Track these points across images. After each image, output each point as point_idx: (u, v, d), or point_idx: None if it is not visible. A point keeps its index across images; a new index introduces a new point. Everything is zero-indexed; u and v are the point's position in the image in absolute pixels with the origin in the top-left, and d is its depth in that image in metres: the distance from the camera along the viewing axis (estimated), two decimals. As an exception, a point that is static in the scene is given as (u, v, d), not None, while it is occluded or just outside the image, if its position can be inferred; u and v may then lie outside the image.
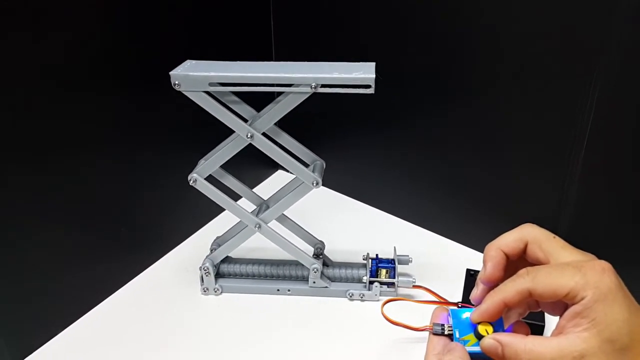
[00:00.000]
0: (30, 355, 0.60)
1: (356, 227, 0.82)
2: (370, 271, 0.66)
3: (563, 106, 0.61)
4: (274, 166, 0.94)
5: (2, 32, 0.49)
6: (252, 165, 0.87)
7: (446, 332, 0.41)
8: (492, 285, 0.41)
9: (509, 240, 0.42)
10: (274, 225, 0.65)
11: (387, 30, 0.71)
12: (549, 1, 0.58)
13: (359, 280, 0.67)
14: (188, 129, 0.72)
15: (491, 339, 0.38)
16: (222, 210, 0.82)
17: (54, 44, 0.54)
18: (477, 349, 0.39)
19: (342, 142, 0.85)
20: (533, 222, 0.42)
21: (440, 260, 0.73)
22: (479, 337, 0.39)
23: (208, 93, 0.57)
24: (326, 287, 0.67)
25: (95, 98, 0.60)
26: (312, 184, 0.61)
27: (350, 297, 0.67)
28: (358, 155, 0.85)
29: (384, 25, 0.71)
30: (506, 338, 0.38)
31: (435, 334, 0.41)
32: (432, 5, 0.66)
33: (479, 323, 0.40)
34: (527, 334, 0.38)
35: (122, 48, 0.62)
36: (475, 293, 0.43)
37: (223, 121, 0.58)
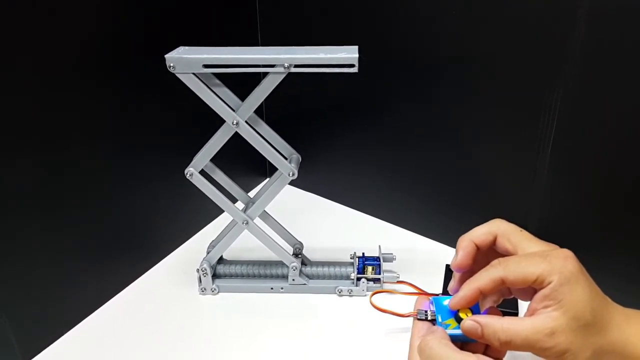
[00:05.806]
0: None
1: (338, 228, 0.86)
2: (358, 268, 0.71)
3: (529, 106, 0.65)
4: (262, 174, 0.97)
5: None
6: (242, 173, 0.90)
7: (429, 318, 0.45)
8: (462, 271, 0.46)
9: (480, 233, 0.47)
10: (260, 225, 0.69)
11: (368, 31, 0.74)
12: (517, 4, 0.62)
13: (347, 277, 0.71)
14: (185, 133, 0.74)
15: (471, 320, 0.42)
16: (216, 215, 0.86)
17: (43, 43, 0.55)
18: (457, 331, 0.43)
19: (321, 146, 0.88)
20: (503, 218, 0.48)
21: (421, 258, 0.77)
22: (459, 320, 0.43)
23: (199, 79, 0.59)
24: (304, 284, 0.71)
25: (88, 100, 0.61)
26: (289, 174, 0.64)
27: (340, 293, 0.71)
28: (338, 159, 0.88)
29: (366, 22, 0.74)
30: (484, 319, 0.42)
31: (419, 319, 0.45)
32: (415, 4, 0.69)
33: (458, 310, 0.45)
34: None
35: (111, 46, 0.63)
36: (452, 284, 0.48)
37: (211, 106, 0.60)
